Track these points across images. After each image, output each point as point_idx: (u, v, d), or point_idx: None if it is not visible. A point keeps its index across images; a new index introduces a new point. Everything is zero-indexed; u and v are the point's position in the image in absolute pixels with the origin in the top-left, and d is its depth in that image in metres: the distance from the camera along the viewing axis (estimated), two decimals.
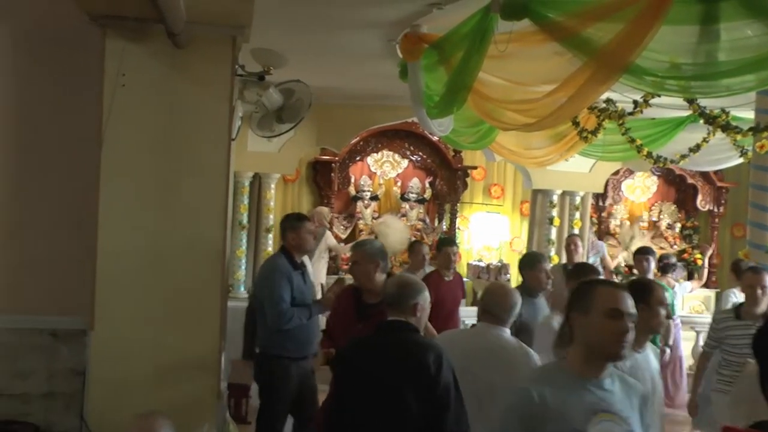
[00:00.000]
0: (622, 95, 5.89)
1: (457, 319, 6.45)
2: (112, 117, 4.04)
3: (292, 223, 5.24)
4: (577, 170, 9.30)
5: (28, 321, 4.28)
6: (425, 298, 3.50)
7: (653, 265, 7.39)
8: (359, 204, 10.73)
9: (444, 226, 10.89)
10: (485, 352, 3.73)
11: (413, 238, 9.71)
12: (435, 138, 10.08)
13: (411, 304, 3.43)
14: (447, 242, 6.98)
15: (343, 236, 10.48)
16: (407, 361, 3.26)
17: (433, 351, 3.27)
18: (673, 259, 8.09)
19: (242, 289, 9.12)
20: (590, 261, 7.81)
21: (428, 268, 6.97)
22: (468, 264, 10.75)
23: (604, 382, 2.56)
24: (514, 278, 10.58)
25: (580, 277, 4.32)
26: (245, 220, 9.15)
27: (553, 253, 9.54)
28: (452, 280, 6.49)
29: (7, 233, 4.34)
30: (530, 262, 5.45)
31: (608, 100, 6.70)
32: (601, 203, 11.31)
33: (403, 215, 10.79)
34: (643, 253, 7.38)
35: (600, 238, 10.80)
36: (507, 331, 3.87)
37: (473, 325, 4.32)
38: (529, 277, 5.36)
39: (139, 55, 4.12)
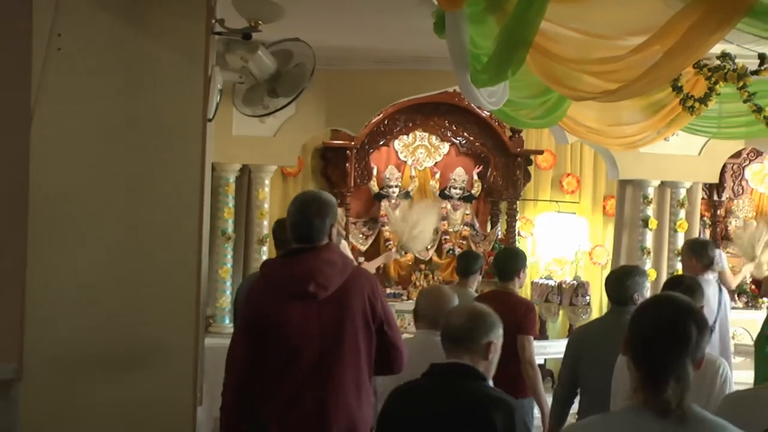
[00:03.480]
0: (742, 48, 5.80)
1: None
2: (44, 93, 4.04)
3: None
4: (682, 153, 9.17)
5: None
6: (500, 335, 3.58)
7: None
8: (384, 204, 10.69)
9: (499, 233, 10.83)
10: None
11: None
12: (485, 113, 10.02)
13: (483, 344, 3.50)
14: None
15: (363, 248, 10.42)
16: (470, 421, 3.33)
17: (504, 408, 3.34)
18: None
19: (227, 321, 9.08)
20: (708, 278, 7.48)
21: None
22: (532, 283, 10.66)
23: None
24: (596, 301, 10.48)
25: None
26: (230, 229, 9.12)
27: (648, 265, 9.39)
28: None
29: None
30: None
31: (724, 55, 6.60)
32: (716, 197, 11.18)
33: (444, 218, 10.70)
34: None
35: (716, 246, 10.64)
36: None
37: None
38: None
39: (79, 7, 4.13)
